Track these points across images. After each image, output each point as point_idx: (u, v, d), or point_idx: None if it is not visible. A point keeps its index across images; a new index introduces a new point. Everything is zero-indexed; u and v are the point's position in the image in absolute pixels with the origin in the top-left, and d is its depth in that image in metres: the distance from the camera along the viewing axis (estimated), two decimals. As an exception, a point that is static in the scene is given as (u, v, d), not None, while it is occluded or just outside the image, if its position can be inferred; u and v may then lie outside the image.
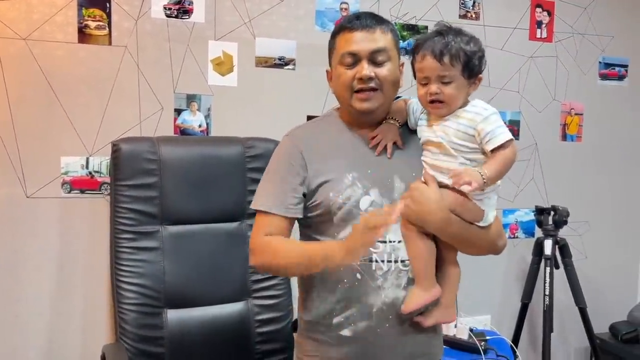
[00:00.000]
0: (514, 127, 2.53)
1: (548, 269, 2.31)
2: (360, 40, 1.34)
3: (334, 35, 1.41)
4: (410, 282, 1.31)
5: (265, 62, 2.11)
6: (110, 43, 1.93)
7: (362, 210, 1.32)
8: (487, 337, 2.11)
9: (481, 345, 2.02)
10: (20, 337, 1.89)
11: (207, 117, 2.06)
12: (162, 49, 1.99)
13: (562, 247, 2.38)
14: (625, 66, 2.73)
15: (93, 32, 1.91)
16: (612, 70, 2.71)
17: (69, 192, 1.92)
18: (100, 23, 1.92)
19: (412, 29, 2.33)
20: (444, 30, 1.29)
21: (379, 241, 1.27)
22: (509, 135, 1.26)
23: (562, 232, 2.39)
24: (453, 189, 1.27)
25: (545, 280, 2.30)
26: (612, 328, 2.63)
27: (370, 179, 1.34)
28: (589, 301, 2.40)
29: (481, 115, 1.27)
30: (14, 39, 1.83)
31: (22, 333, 1.89)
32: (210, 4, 2.04)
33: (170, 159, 1.75)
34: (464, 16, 2.42)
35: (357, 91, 1.35)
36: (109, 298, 1.93)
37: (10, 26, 1.82)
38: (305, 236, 1.42)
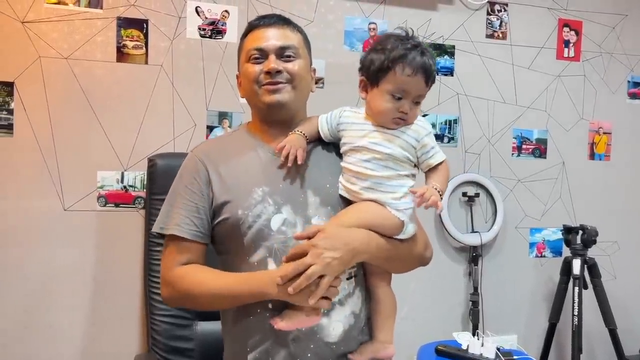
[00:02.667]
0: (540, 145, 2.53)
1: (577, 288, 2.28)
2: (268, 37, 1.29)
3: (243, 36, 1.35)
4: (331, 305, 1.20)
5: (294, 81, 2.16)
6: (146, 62, 2.01)
7: (273, 230, 1.22)
8: (515, 357, 2.09)
9: (508, 365, 2.00)
10: (54, 346, 1.94)
11: (238, 133, 2.11)
12: (196, 68, 2.06)
13: (591, 267, 2.35)
14: (655, 85, 2.71)
15: (130, 52, 1.99)
16: (642, 89, 2.70)
17: (104, 206, 1.98)
18: (138, 43, 1.99)
19: (440, 48, 2.36)
20: (422, 46, 1.23)
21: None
22: (444, 155, 1.28)
23: (591, 252, 2.37)
24: (368, 200, 1.22)
25: (574, 300, 2.28)
26: (643, 350, 2.59)
27: (281, 194, 1.24)
28: (618, 322, 2.36)
29: (425, 130, 1.25)
30: (56, 58, 1.91)
31: (56, 343, 1.94)
32: (243, 25, 2.08)
33: (203, 174, 1.79)
34: (490, 35, 2.44)
35: (265, 85, 1.27)
36: (141, 309, 1.98)
37: (53, 46, 1.90)
38: (220, 261, 1.31)
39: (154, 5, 2.00)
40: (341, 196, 1.28)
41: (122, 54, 1.98)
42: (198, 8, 2.05)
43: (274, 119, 1.31)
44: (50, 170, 1.92)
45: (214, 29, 2.08)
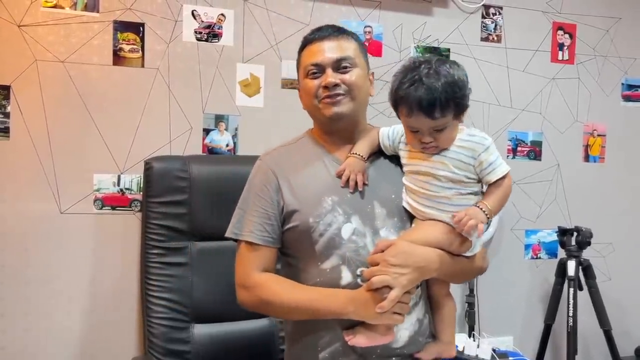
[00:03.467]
0: (535, 147, 2.55)
1: (572, 290, 2.30)
2: (323, 51, 1.31)
3: (300, 51, 1.37)
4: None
5: (290, 84, 2.17)
6: (143, 65, 2.01)
7: (344, 239, 1.26)
8: (510, 358, 2.11)
9: (504, 366, 2.02)
10: (52, 349, 1.94)
11: (234, 136, 2.12)
12: (192, 71, 2.07)
13: (586, 269, 2.37)
14: (649, 88, 2.74)
15: (127, 55, 1.99)
16: (636, 92, 2.71)
17: (101, 209, 1.98)
18: (134, 46, 2.00)
19: (435, 51, 2.38)
20: (425, 75, 1.16)
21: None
22: (508, 166, 1.24)
23: (586, 254, 2.39)
24: (433, 219, 1.24)
25: (569, 301, 2.29)
26: (638, 351, 2.60)
27: (349, 204, 1.28)
28: (613, 324, 2.37)
29: (483, 146, 1.23)
30: (52, 61, 1.91)
31: (53, 346, 1.94)
32: (239, 28, 2.11)
33: (200, 177, 1.80)
34: (485, 39, 2.46)
35: (324, 99, 1.30)
36: (138, 312, 1.98)
37: (49, 49, 1.91)
38: (286, 264, 1.37)
39: (150, 8, 2.01)
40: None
41: (118, 58, 1.98)
42: (194, 11, 2.06)
43: (336, 130, 1.35)
44: (47, 173, 1.92)
45: (210, 33, 2.08)
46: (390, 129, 1.34)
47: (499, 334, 2.44)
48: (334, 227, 1.27)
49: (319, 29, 1.35)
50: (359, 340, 1.22)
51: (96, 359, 1.98)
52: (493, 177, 1.21)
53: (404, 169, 1.31)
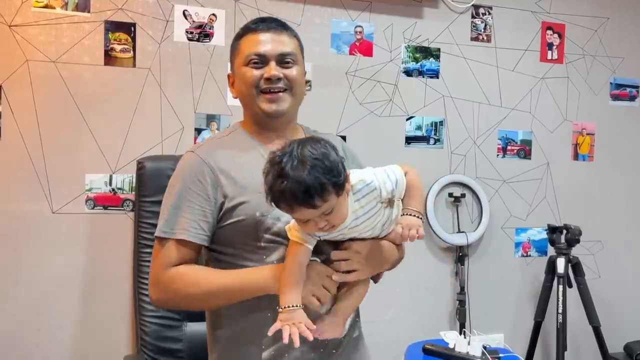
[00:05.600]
0: (525, 146, 2.57)
1: (561, 287, 2.32)
2: (268, 42, 1.29)
3: (238, 37, 1.34)
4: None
5: (282, 84, 2.18)
6: (134, 65, 2.02)
7: None
8: (501, 355, 2.12)
9: (494, 363, 2.03)
10: (44, 349, 1.94)
11: (226, 136, 2.13)
12: (183, 71, 2.07)
13: (575, 266, 2.39)
14: (637, 87, 2.76)
15: (118, 55, 2.00)
16: (624, 91, 2.74)
17: (93, 208, 1.98)
18: (125, 46, 2.00)
19: (425, 51, 2.39)
20: (289, 168, 1.05)
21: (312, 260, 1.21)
22: (401, 169, 1.20)
23: (575, 252, 2.41)
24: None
25: (558, 298, 2.32)
26: (627, 348, 2.63)
27: None
28: (603, 320, 2.40)
29: (375, 190, 1.17)
30: (44, 61, 1.92)
31: (45, 345, 1.94)
32: (230, 28, 2.12)
33: (191, 176, 1.80)
34: (475, 38, 2.48)
35: (265, 92, 1.28)
36: (130, 310, 1.98)
37: (40, 49, 1.91)
38: (213, 260, 1.30)
39: (141, 9, 2.01)
40: None
41: (109, 58, 1.99)
42: (185, 12, 2.07)
43: (270, 125, 1.33)
44: (39, 173, 1.93)
45: (202, 32, 2.09)
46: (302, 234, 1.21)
47: (490, 332, 2.46)
48: (282, 220, 1.22)
49: (263, 20, 1.32)
50: (326, 333, 1.22)
51: (88, 357, 1.98)
52: (401, 194, 1.21)
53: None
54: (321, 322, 1.21)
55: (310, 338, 1.13)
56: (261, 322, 1.22)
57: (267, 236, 1.24)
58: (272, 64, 1.28)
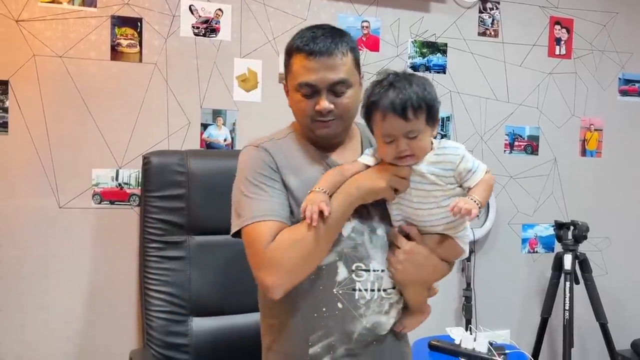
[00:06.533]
0: (532, 142, 2.56)
1: (568, 283, 2.31)
2: (319, 70, 1.25)
3: (290, 53, 1.31)
4: (392, 307, 1.32)
5: (288, 79, 2.18)
6: (140, 60, 2.02)
7: (344, 236, 1.27)
8: (507, 351, 2.12)
9: (501, 359, 2.03)
10: (50, 343, 1.95)
11: (232, 131, 2.13)
12: (190, 66, 2.07)
13: (582, 262, 2.38)
14: (645, 82, 2.74)
15: (125, 50, 2.00)
16: (633, 87, 2.72)
17: (100, 203, 1.99)
18: (132, 41, 2.00)
19: (432, 46, 2.38)
20: (395, 81, 1.20)
21: (362, 270, 1.28)
22: (485, 165, 1.25)
23: (583, 248, 2.40)
24: (437, 234, 1.29)
25: (565, 295, 2.31)
26: (634, 345, 2.61)
27: None
28: (610, 317, 2.39)
29: (458, 156, 1.23)
30: (50, 56, 1.92)
31: (52, 340, 1.95)
32: (236, 23, 2.12)
33: (198, 171, 1.80)
34: (482, 34, 2.46)
35: (317, 120, 1.30)
36: (137, 305, 1.99)
37: (47, 44, 1.91)
38: None
39: (147, 3, 2.01)
40: None
41: (116, 53, 1.99)
42: (192, 6, 2.06)
43: (324, 142, 1.36)
44: (45, 168, 1.93)
45: (208, 27, 2.09)
46: (366, 155, 1.32)
47: (496, 328, 2.46)
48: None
49: (314, 39, 1.26)
50: (410, 326, 1.35)
51: (95, 352, 1.99)
52: (473, 183, 1.23)
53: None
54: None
55: (315, 218, 1.19)
56: (308, 320, 1.28)
57: None
58: (323, 95, 1.27)
